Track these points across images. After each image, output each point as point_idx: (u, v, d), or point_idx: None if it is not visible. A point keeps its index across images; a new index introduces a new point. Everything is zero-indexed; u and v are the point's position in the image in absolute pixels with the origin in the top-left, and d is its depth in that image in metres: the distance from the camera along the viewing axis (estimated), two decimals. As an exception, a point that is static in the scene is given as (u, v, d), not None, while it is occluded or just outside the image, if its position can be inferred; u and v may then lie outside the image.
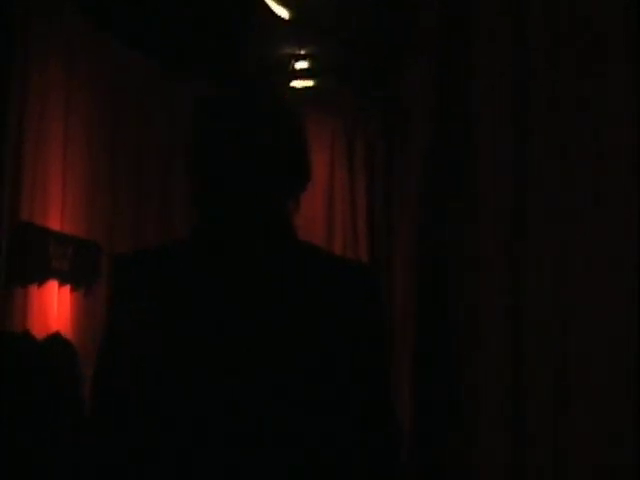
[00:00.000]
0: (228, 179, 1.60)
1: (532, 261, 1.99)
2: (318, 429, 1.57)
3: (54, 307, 3.65)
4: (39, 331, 3.44)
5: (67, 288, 3.82)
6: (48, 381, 2.64)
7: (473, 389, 2.12)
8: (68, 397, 2.63)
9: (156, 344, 1.57)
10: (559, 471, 1.88)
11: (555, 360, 1.91)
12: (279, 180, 1.62)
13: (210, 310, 1.57)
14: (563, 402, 1.88)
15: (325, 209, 4.54)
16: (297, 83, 4.79)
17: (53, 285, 3.67)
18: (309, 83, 4.77)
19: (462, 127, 2.36)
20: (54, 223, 3.71)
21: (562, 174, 1.96)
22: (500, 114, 2.13)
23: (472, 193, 2.26)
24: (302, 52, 4.49)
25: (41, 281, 3.59)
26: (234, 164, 1.59)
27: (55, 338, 2.96)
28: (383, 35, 4.18)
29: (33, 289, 3.54)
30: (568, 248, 1.92)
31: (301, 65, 4.61)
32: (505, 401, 2.01)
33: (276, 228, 1.63)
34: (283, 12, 3.87)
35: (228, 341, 1.56)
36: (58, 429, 2.54)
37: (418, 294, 2.80)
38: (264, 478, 1.54)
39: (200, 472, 1.55)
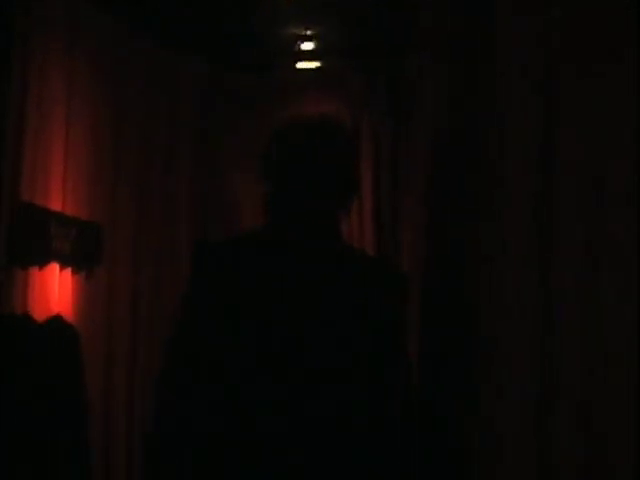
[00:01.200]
0: (299, 194, 2.00)
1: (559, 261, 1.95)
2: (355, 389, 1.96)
3: (55, 290, 3.59)
4: (40, 314, 3.39)
5: (68, 271, 3.76)
6: (48, 363, 2.59)
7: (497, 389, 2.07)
8: (68, 379, 2.58)
9: (230, 319, 1.92)
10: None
11: (582, 359, 1.88)
12: (337, 196, 2.04)
13: (275, 293, 1.95)
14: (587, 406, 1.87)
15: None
16: (303, 64, 4.73)
17: (54, 268, 3.61)
18: (315, 64, 4.71)
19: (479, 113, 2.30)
20: (55, 204, 3.65)
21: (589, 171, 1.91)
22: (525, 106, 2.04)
23: (487, 185, 2.17)
24: (308, 33, 4.41)
25: (42, 263, 3.53)
26: (306, 183, 2.00)
27: (55, 320, 2.90)
28: (388, 15, 4.13)
29: (34, 271, 3.48)
30: (594, 246, 1.90)
31: (307, 46, 4.54)
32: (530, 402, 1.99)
33: (331, 233, 2.04)
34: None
35: (291, 319, 1.94)
36: (58, 411, 2.49)
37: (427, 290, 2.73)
38: (317, 419, 1.94)
39: (264, 420, 1.90)
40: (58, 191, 3.68)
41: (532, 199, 1.99)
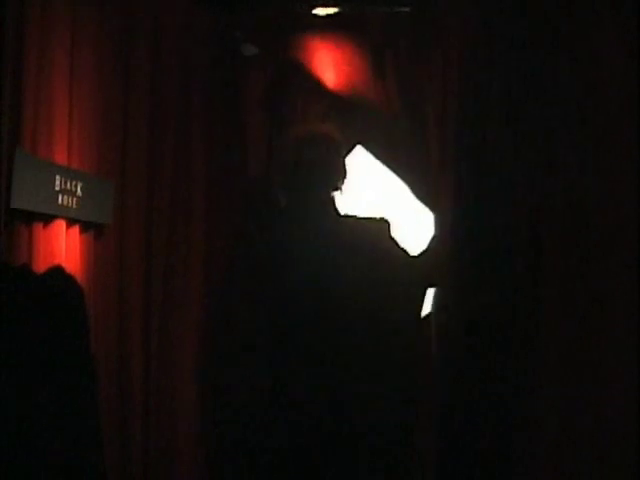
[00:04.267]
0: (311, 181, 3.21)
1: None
2: None
3: (62, 249, 3.34)
4: (46, 275, 3.17)
5: (76, 229, 3.51)
6: (50, 317, 2.36)
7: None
8: (72, 334, 2.36)
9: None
10: None
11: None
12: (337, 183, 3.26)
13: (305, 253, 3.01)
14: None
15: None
16: (320, 10, 4.45)
17: (60, 225, 3.37)
18: (333, 10, 4.43)
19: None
20: (60, 157, 3.40)
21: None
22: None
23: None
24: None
25: (47, 219, 3.29)
26: (316, 174, 3.21)
27: (56, 271, 2.66)
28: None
29: (38, 228, 3.24)
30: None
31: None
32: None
33: (332, 206, 3.20)
34: None
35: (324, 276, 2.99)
36: (62, 366, 2.28)
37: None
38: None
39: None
40: (63, 144, 3.42)
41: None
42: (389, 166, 4.13)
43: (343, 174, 3.34)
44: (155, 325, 4.06)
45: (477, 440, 2.75)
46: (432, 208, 3.86)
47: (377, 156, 4.17)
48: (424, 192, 3.97)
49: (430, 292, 3.41)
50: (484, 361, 2.93)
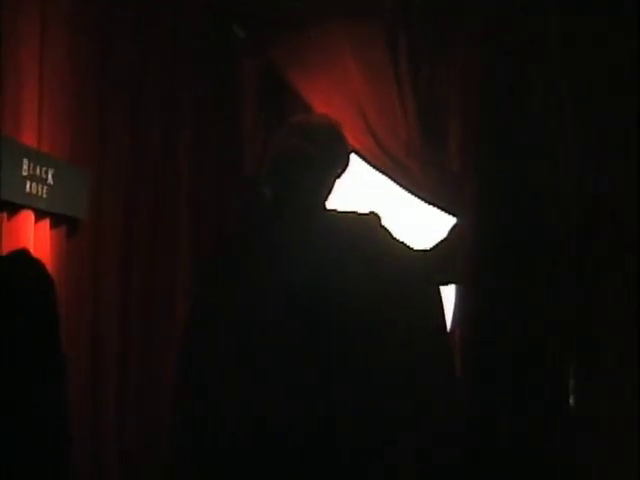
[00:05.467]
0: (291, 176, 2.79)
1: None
2: None
3: (30, 244, 2.90)
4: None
5: (46, 223, 3.07)
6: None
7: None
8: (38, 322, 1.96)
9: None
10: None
11: None
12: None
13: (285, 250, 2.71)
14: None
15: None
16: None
17: (28, 216, 2.92)
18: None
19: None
20: (29, 139, 2.97)
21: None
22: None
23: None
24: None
25: (13, 209, 2.85)
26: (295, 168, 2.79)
27: (20, 255, 2.24)
28: None
29: (2, 218, 2.81)
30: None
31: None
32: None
33: (319, 205, 2.84)
34: None
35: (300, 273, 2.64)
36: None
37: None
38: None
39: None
40: (32, 124, 2.98)
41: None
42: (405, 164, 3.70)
43: (334, 165, 2.90)
44: (135, 332, 3.62)
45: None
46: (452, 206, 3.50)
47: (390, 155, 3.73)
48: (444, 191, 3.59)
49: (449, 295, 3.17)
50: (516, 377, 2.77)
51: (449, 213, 3.62)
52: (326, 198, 2.86)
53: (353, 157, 3.07)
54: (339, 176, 2.91)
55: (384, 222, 2.98)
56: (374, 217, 2.90)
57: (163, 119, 3.79)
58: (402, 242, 2.98)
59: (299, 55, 3.86)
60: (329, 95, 3.78)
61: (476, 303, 2.95)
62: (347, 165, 2.93)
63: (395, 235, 2.98)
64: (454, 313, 3.29)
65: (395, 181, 3.73)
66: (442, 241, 3.06)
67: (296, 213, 2.79)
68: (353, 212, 2.87)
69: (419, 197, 3.67)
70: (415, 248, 3.04)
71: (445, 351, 2.84)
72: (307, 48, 3.83)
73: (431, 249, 3.02)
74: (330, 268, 2.68)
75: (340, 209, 2.96)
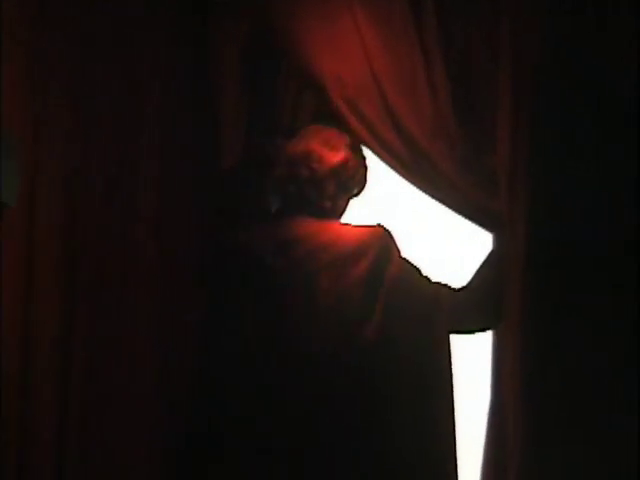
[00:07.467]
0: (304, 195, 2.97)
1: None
2: None
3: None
4: None
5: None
6: None
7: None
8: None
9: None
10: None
11: None
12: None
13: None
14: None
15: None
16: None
17: None
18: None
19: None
20: None
21: None
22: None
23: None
24: None
25: None
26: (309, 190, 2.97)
27: None
28: None
29: None
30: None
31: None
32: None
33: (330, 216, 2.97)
34: None
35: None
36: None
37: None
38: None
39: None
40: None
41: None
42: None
43: (350, 185, 3.01)
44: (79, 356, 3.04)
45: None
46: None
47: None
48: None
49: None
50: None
51: (486, 227, 2.94)
52: (340, 216, 2.97)
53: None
54: (355, 196, 3.01)
55: (395, 238, 2.87)
56: (382, 232, 2.85)
57: (119, 90, 3.19)
58: (417, 269, 2.84)
59: (296, 14, 3.13)
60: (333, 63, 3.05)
61: (531, 352, 2.53)
62: (364, 185, 3.02)
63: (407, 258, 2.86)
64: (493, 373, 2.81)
65: (414, 183, 3.01)
66: (478, 272, 2.81)
67: (307, 225, 2.88)
68: (360, 226, 2.88)
69: (446, 204, 2.95)
70: (432, 279, 2.86)
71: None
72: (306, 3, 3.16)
73: (463, 288, 2.79)
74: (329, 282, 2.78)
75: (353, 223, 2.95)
